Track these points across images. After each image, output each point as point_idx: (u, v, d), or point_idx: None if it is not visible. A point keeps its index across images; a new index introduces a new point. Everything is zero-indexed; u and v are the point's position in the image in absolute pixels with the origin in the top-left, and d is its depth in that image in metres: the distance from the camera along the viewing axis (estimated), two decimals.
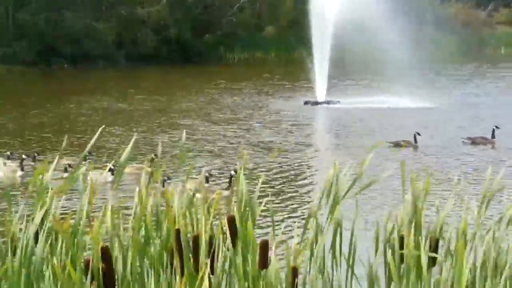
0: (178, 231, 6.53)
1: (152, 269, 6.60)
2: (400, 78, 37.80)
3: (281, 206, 17.31)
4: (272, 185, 19.53)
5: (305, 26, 44.02)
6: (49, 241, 6.34)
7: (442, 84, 44.72)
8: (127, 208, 7.27)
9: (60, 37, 59.02)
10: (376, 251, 6.80)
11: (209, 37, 70.45)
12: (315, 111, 35.80)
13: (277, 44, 71.34)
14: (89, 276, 6.10)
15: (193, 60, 63.50)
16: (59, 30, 59.49)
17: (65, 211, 6.88)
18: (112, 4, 64.85)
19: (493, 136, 25.67)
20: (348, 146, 25.31)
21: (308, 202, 17.36)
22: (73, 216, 6.44)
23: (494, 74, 53.59)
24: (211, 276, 6.49)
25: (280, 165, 22.29)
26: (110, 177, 17.01)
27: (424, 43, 51.74)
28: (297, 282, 6.39)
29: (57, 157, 7.11)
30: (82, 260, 6.27)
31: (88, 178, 6.80)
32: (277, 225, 14.65)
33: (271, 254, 6.50)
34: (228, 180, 18.67)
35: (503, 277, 6.39)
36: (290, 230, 7.42)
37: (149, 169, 20.79)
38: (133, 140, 6.61)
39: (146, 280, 6.57)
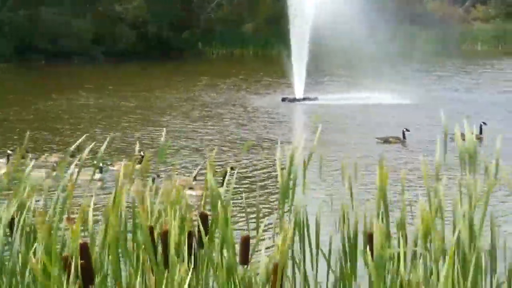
0: (151, 228, 6.62)
1: (128, 265, 6.68)
2: (379, 74, 37.96)
3: (260, 202, 17.39)
4: (248, 181, 19.61)
5: (283, 22, 44.10)
6: (28, 238, 6.42)
7: (421, 80, 44.95)
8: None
9: (37, 34, 58.80)
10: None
11: (187, 33, 70.35)
12: (292, 107, 35.88)
13: (255, 40, 71.40)
14: (75, 274, 6.17)
15: (171, 57, 63.40)
16: (37, 27, 59.25)
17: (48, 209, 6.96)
18: (90, 1, 64.64)
19: (481, 132, 25.04)
20: (324, 142, 25.31)
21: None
22: (50, 212, 6.52)
23: (473, 70, 53.88)
24: (187, 271, 6.59)
25: (255, 161, 22.35)
26: (98, 175, 17.03)
27: (402, 39, 52.00)
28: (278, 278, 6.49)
29: (45, 155, 7.23)
30: (62, 256, 6.35)
31: (75, 176, 6.90)
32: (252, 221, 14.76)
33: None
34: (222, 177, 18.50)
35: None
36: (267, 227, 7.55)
37: (138, 167, 20.84)
38: (107, 139, 6.71)
39: (122, 276, 6.65)
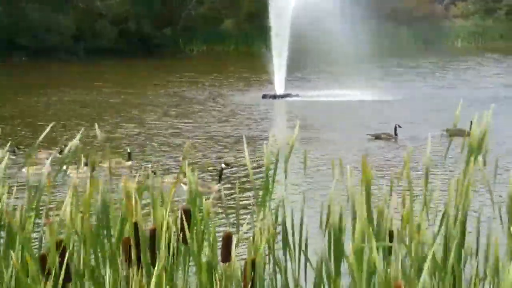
0: (136, 224, 6.57)
1: (108, 263, 6.63)
2: (360, 71, 38.02)
3: (241, 199, 17.34)
4: (229, 178, 19.56)
5: (264, 19, 44.08)
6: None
7: (402, 77, 45.10)
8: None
9: (18, 30, 58.47)
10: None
11: (168, 30, 70.22)
12: (273, 104, 35.86)
13: (236, 37, 71.42)
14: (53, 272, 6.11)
15: (152, 53, 63.26)
16: (18, 23, 58.91)
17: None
18: None
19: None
20: (303, 139, 25.25)
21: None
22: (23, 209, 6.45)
23: (453, 66, 54.08)
24: (168, 269, 6.55)
25: (234, 158, 22.28)
26: (88, 172, 16.84)
27: (382, 36, 52.12)
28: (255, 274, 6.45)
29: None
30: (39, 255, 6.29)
31: (68, 173, 6.86)
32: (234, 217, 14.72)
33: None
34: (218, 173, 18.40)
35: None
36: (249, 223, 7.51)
37: (128, 163, 20.79)
38: (78, 135, 6.65)
39: (102, 273, 6.60)
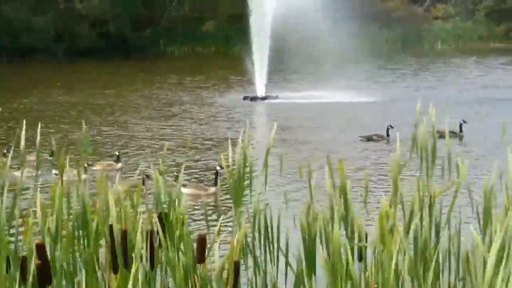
0: (110, 227, 6.59)
1: (84, 265, 6.64)
2: (340, 72, 38.07)
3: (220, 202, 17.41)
4: (207, 180, 19.57)
5: (245, 20, 44.07)
6: None
7: (384, 78, 45.22)
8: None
9: None
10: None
11: (149, 31, 70.16)
12: (253, 106, 35.86)
13: (217, 38, 71.42)
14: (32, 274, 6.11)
15: (133, 55, 63.21)
16: None
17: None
18: None
19: (460, 129, 25.01)
20: (282, 141, 25.24)
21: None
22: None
23: (433, 68, 54.27)
24: (145, 271, 6.57)
25: (214, 161, 22.26)
26: (83, 175, 16.78)
27: (363, 37, 52.22)
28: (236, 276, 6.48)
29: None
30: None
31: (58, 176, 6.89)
32: (214, 220, 14.78)
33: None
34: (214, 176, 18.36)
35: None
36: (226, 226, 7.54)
37: (118, 166, 20.73)
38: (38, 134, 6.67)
39: (79, 276, 6.61)
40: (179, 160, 21.95)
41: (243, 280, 6.92)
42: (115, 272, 6.51)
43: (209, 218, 14.88)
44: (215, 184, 17.77)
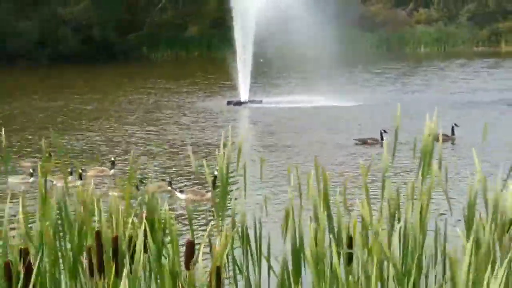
0: (98, 233, 6.59)
1: (66, 271, 6.64)
2: (323, 76, 38.11)
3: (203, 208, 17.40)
4: (190, 185, 19.57)
5: (228, 25, 44.08)
6: None
7: (368, 82, 45.31)
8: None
9: None
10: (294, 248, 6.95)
11: (132, 36, 70.07)
12: (237, 111, 35.83)
13: (200, 43, 71.44)
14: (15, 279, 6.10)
15: (117, 60, 63.15)
16: None
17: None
18: (35, 2, 63.95)
19: (452, 133, 24.97)
20: (265, 146, 25.22)
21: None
22: None
23: (416, 72, 54.43)
24: (130, 276, 6.57)
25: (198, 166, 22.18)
26: (79, 182, 16.74)
27: (346, 42, 52.27)
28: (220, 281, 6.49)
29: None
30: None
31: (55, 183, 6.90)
32: (201, 226, 14.79)
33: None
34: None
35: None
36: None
37: (111, 172, 20.67)
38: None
39: (62, 283, 6.60)
40: (169, 164, 21.95)
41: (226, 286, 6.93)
42: (100, 278, 6.51)
43: (205, 223, 14.88)
44: (213, 189, 17.71)
